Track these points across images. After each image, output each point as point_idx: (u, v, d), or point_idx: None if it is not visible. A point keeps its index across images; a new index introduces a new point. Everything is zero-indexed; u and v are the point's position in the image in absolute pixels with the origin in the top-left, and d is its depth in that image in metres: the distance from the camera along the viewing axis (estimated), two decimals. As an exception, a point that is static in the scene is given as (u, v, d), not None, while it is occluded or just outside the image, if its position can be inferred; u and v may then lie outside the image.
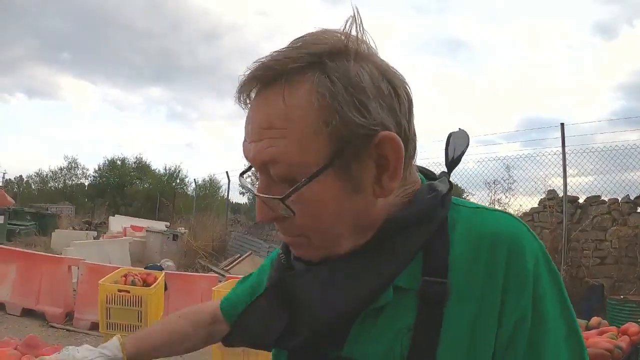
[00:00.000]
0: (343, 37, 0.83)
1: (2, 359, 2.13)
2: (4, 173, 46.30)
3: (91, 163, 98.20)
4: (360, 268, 0.87)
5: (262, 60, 0.83)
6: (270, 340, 0.98)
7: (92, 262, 8.89)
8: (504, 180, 12.44)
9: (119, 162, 53.17)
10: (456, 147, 1.00)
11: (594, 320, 4.48)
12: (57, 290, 8.35)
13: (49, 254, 10.52)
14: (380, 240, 0.87)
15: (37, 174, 56.44)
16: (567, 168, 10.19)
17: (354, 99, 0.79)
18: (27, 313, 8.30)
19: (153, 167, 53.42)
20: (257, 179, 0.90)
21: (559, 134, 10.22)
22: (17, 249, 10.65)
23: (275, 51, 0.83)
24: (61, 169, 55.20)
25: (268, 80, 0.82)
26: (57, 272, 8.57)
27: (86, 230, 21.68)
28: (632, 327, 4.28)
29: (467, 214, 0.92)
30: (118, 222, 23.44)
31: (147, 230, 18.00)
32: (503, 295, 0.83)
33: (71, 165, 55.19)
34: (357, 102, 0.79)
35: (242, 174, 0.97)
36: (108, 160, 53.35)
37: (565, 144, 10.17)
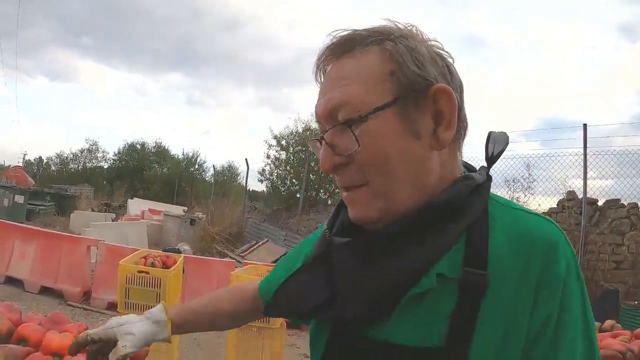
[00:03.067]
0: (408, 27, 0.99)
1: (27, 333, 2.15)
2: (24, 154, 46.77)
3: (110, 146, 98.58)
4: (399, 249, 0.92)
5: (340, 34, 0.98)
6: (307, 311, 1.02)
7: (110, 243, 8.99)
8: (524, 179, 12.32)
9: (138, 146, 53.28)
10: (495, 145, 1.05)
11: (608, 323, 4.46)
12: (76, 270, 8.46)
13: (69, 234, 10.61)
14: (420, 224, 0.93)
15: (58, 155, 56.71)
16: (587, 170, 10.08)
17: (413, 57, 0.93)
18: (45, 291, 8.41)
19: (172, 152, 53.54)
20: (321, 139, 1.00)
21: (576, 135, 10.13)
22: (38, 228, 10.77)
23: (349, 29, 0.98)
24: (82, 151, 55.47)
25: (345, 49, 0.97)
26: (76, 252, 8.66)
27: (105, 212, 21.82)
28: (645, 331, 4.27)
29: (506, 212, 0.98)
30: (136, 205, 23.58)
31: (164, 214, 18.17)
32: (535, 294, 0.89)
33: (92, 148, 55.45)
34: (415, 59, 0.93)
35: (313, 139, 1.04)
36: (128, 144, 53.53)
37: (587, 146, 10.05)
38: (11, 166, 36.76)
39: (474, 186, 0.97)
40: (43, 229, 10.47)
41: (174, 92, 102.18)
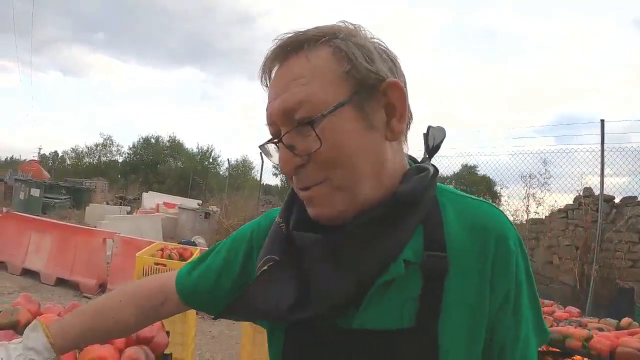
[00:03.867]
0: (351, 26, 1.00)
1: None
2: (39, 148, 47.16)
3: (124, 141, 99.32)
4: (368, 241, 0.96)
5: (285, 37, 0.98)
6: (278, 315, 1.01)
7: (126, 235, 9.04)
8: (540, 175, 12.17)
9: (152, 141, 53.59)
10: (435, 138, 1.14)
11: (625, 321, 4.43)
12: (91, 262, 8.53)
13: (85, 227, 10.68)
14: (385, 215, 0.96)
15: (73, 149, 57.22)
16: (604, 167, 9.95)
17: (363, 53, 0.95)
18: (61, 283, 8.50)
19: (186, 146, 53.77)
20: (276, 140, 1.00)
21: (592, 131, 9.98)
22: (54, 220, 10.85)
23: (295, 30, 0.99)
24: (97, 145, 55.91)
25: (293, 49, 0.97)
26: (92, 244, 8.74)
27: (120, 205, 21.94)
28: (663, 329, 4.23)
29: (455, 199, 1.06)
30: (151, 199, 23.62)
31: (179, 208, 18.15)
32: (493, 270, 0.97)
33: (106, 142, 55.85)
34: (366, 56, 0.95)
35: (270, 141, 1.02)
36: (142, 138, 53.85)
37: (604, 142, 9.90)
38: (27, 160, 37.14)
39: (430, 177, 1.02)
40: (59, 222, 10.53)
41: (188, 87, 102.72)
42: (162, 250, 5.05)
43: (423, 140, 1.15)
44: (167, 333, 2.36)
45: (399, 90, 0.97)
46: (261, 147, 1.04)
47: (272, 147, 1.02)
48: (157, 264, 4.53)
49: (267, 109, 0.99)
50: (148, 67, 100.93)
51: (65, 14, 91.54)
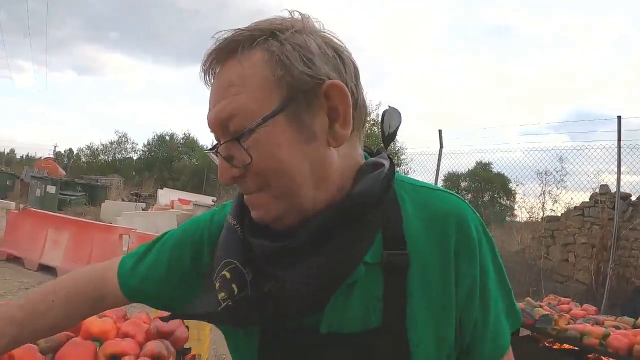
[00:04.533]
0: (298, 18, 0.94)
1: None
2: (55, 146, 47.56)
3: (139, 138, 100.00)
4: (334, 250, 0.90)
5: (222, 38, 0.93)
6: (251, 319, 0.97)
7: (141, 231, 9.10)
8: (556, 172, 12.07)
9: (167, 137, 53.80)
10: (391, 123, 1.07)
11: (642, 319, 4.42)
12: (108, 258, 8.19)
13: (102, 223, 10.76)
14: (338, 218, 0.90)
15: (89, 147, 57.60)
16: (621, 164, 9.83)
17: (300, 54, 0.88)
18: (78, 278, 8.54)
19: (201, 143, 53.95)
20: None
21: (607, 128, 9.87)
22: (70, 216, 10.94)
23: (232, 31, 0.93)
24: (111, 143, 56.24)
25: (228, 52, 0.92)
26: (109, 240, 8.81)
27: (135, 202, 22.07)
28: (680, 328, 4.21)
29: (412, 189, 1.03)
30: (166, 195, 23.74)
31: (194, 204, 18.20)
32: (456, 260, 0.96)
33: (121, 140, 56.17)
34: (303, 57, 0.88)
35: (210, 150, 0.99)
36: (157, 135, 54.07)
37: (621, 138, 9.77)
38: (42, 158, 37.43)
39: (385, 173, 0.96)
40: (75, 218, 10.61)
41: (202, 84, 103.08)
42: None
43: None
44: (187, 327, 2.38)
45: (341, 92, 0.90)
46: (208, 153, 1.01)
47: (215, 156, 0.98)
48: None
49: (207, 117, 0.95)
50: (162, 65, 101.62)
51: (79, 13, 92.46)
